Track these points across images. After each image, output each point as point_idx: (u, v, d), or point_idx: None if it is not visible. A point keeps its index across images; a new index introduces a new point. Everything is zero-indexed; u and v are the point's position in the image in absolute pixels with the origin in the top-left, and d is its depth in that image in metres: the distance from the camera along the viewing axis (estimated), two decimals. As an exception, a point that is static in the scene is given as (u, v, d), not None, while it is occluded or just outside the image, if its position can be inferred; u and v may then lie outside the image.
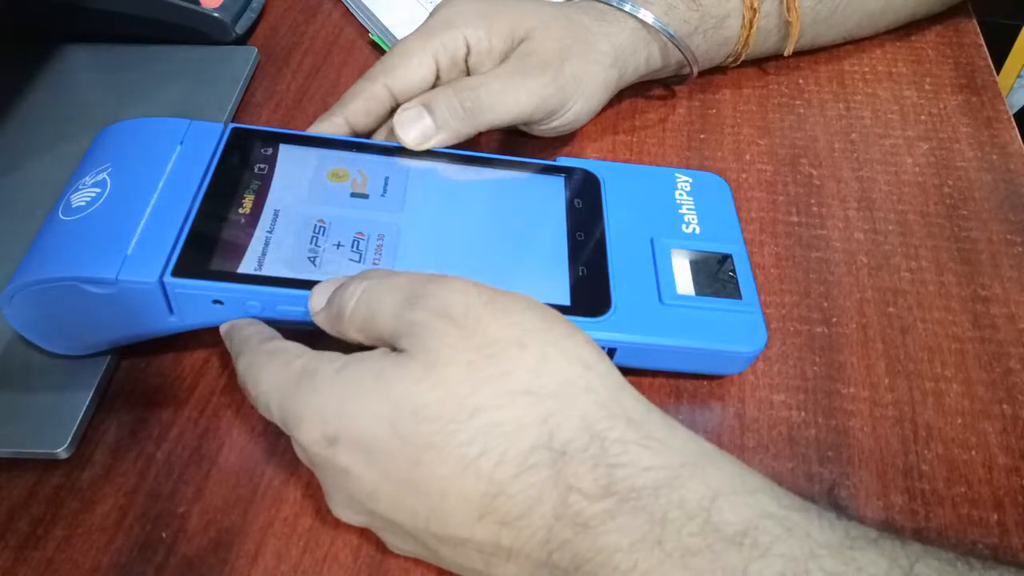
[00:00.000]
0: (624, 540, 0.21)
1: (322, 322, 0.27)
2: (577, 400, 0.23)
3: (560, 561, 0.22)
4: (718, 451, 0.23)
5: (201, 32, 0.45)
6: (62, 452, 0.29)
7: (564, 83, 0.36)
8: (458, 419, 0.22)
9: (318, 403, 0.24)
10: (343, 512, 0.26)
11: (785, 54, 0.45)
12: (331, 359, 0.25)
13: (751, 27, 0.42)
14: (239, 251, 0.29)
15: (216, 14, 0.45)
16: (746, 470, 0.23)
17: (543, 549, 0.22)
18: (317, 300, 0.27)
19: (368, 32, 0.49)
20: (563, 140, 0.42)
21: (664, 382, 0.33)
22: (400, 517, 0.24)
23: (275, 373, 0.26)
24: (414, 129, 0.34)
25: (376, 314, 0.25)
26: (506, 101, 0.35)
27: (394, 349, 0.25)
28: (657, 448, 0.22)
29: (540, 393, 0.23)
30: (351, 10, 0.50)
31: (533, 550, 0.22)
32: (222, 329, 0.30)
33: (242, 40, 0.47)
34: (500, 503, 0.22)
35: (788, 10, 0.43)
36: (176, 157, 0.32)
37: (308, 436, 0.24)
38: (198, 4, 0.45)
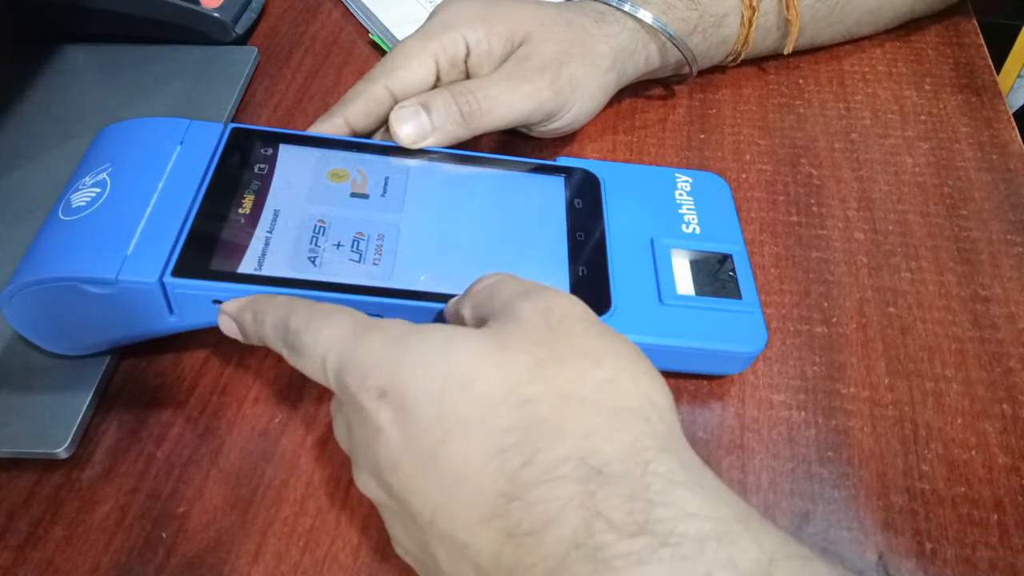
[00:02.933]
0: None
1: (449, 304, 0.28)
2: (630, 426, 0.21)
3: None
4: (762, 517, 0.21)
5: (201, 32, 0.45)
6: (62, 452, 0.29)
7: (562, 87, 0.36)
8: (506, 404, 0.21)
9: (381, 355, 0.23)
10: (363, 480, 0.25)
11: (785, 52, 0.45)
12: (400, 322, 0.25)
13: (750, 25, 0.42)
14: (239, 251, 0.29)
15: (216, 14, 0.45)
16: (794, 538, 0.20)
17: None
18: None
19: (368, 32, 0.49)
20: (563, 140, 0.42)
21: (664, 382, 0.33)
22: (412, 500, 0.22)
23: (342, 323, 0.25)
24: (409, 126, 0.34)
25: (494, 297, 0.25)
26: (502, 105, 0.35)
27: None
28: (705, 496, 0.20)
29: (595, 405, 0.21)
30: (351, 10, 0.50)
31: None
32: (231, 307, 0.29)
33: (242, 40, 0.47)
34: (514, 509, 0.20)
35: (787, 8, 0.43)
36: (176, 157, 0.32)
37: (360, 383, 0.23)
38: (198, 4, 0.45)
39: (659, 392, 0.23)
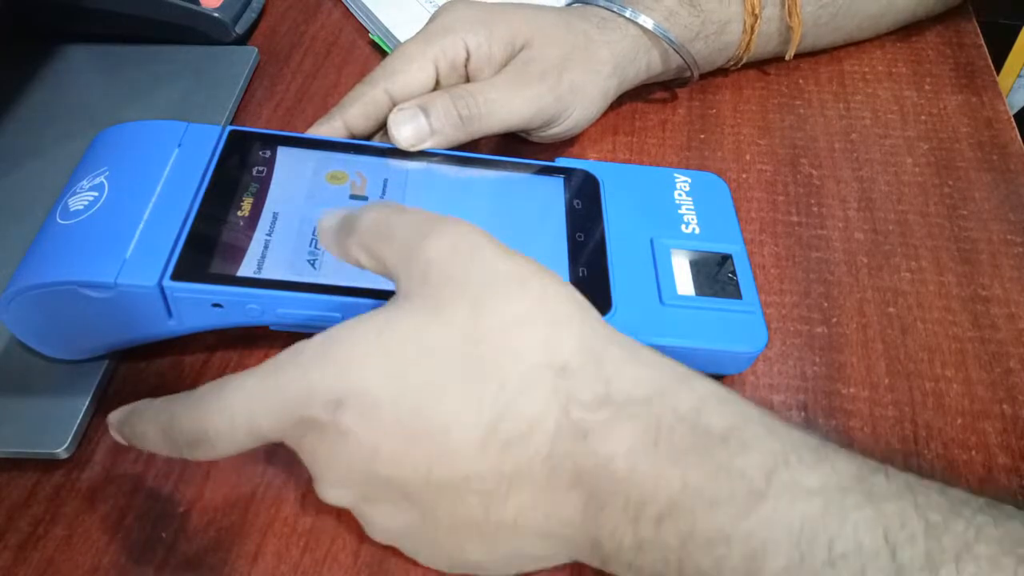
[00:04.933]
0: (621, 446, 0.22)
1: (329, 239, 0.26)
2: (573, 327, 0.24)
3: (561, 475, 0.23)
4: (700, 372, 0.25)
5: (201, 32, 0.45)
6: (62, 452, 0.29)
7: (562, 92, 0.36)
8: (463, 351, 0.23)
9: (313, 374, 0.23)
10: (333, 491, 0.25)
11: (786, 58, 0.45)
12: (307, 341, 0.24)
13: (752, 32, 0.42)
14: (238, 254, 0.29)
15: (216, 14, 0.45)
16: (726, 387, 0.25)
17: (545, 465, 0.23)
18: (328, 220, 0.27)
19: (368, 32, 0.49)
20: (563, 141, 0.42)
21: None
22: (401, 471, 0.23)
23: (244, 382, 0.23)
24: (407, 128, 0.34)
25: (389, 237, 0.25)
26: (502, 109, 0.35)
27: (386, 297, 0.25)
28: (646, 366, 0.24)
29: (539, 321, 0.24)
30: (351, 10, 0.50)
31: (534, 469, 0.23)
32: (113, 418, 0.26)
33: (242, 40, 0.47)
34: (504, 426, 0.23)
35: (789, 15, 0.42)
36: (174, 160, 0.32)
37: (310, 409, 0.23)
38: (198, 4, 0.45)
39: (577, 294, 0.25)
